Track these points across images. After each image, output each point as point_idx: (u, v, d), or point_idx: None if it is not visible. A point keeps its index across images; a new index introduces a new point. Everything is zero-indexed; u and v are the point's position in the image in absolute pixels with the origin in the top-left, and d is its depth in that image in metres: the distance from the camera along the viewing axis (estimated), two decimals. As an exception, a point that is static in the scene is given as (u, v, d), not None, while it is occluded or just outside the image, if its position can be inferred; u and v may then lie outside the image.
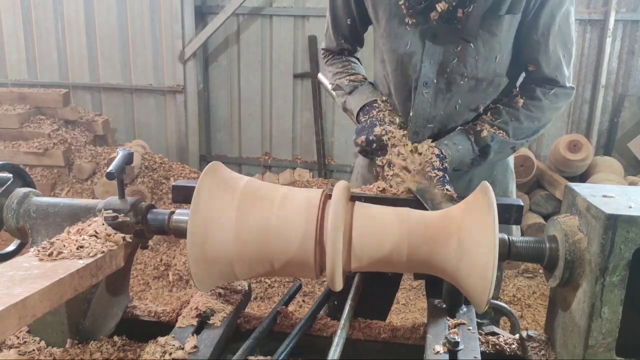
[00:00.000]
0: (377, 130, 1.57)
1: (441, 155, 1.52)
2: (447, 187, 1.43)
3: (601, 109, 5.38)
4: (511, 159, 1.83)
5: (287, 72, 5.77)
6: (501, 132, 1.59)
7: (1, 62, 6.10)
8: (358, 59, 1.93)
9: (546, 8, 1.51)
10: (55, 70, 6.04)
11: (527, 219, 4.67)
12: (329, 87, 1.89)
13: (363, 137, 1.58)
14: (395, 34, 1.61)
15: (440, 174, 1.46)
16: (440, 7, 1.48)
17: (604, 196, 1.12)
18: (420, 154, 1.54)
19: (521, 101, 1.61)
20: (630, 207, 1.05)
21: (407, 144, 1.57)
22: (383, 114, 1.64)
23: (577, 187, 1.21)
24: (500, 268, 1.89)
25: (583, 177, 4.85)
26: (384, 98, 1.74)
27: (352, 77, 1.80)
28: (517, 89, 1.67)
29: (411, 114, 1.64)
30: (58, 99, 5.20)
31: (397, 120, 1.65)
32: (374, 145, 1.57)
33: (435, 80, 1.60)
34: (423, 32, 1.56)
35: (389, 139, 1.56)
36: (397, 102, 1.71)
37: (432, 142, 1.60)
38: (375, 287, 1.78)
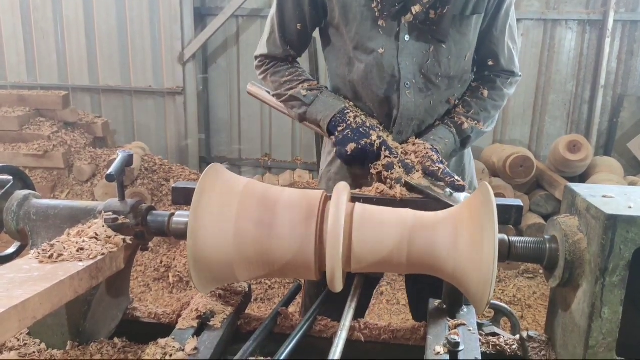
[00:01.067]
0: (365, 139, 1.53)
1: (434, 149, 1.55)
2: (456, 177, 1.43)
3: (600, 109, 5.38)
4: (468, 151, 1.95)
5: (287, 73, 5.77)
6: (475, 122, 1.70)
7: (1, 64, 6.10)
8: (299, 64, 1.85)
9: (503, 7, 1.65)
10: (54, 72, 6.05)
11: (527, 219, 4.67)
12: (269, 97, 1.80)
13: (353, 145, 1.53)
14: (368, 37, 1.61)
15: (442, 167, 1.47)
16: (415, 9, 1.55)
17: (604, 196, 1.13)
18: (415, 152, 1.55)
19: (486, 92, 1.74)
20: (630, 208, 1.05)
21: (397, 146, 1.58)
22: (361, 119, 1.60)
23: (576, 187, 1.21)
24: None
25: (583, 178, 4.85)
26: (350, 103, 1.71)
27: (307, 85, 1.71)
28: (476, 82, 1.79)
29: (396, 114, 1.67)
30: (57, 101, 5.20)
31: (376, 123, 1.66)
32: (368, 151, 1.53)
33: (414, 80, 1.65)
34: (397, 34, 1.60)
35: (381, 144, 1.54)
36: (371, 105, 1.69)
37: (416, 139, 1.63)
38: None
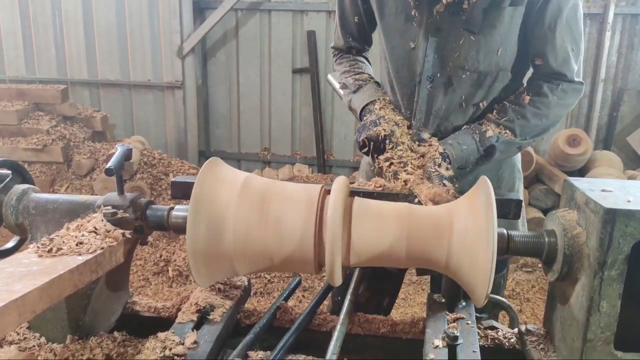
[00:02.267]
0: (374, 129, 1.58)
1: (444, 153, 1.52)
2: (445, 182, 1.43)
3: (600, 103, 5.37)
4: (518, 158, 1.82)
5: (286, 67, 5.76)
6: (507, 131, 1.56)
7: (-1, 58, 6.09)
8: (367, 59, 1.93)
9: (553, 1, 1.49)
10: (53, 66, 6.03)
11: (526, 213, 4.67)
12: (337, 86, 1.90)
13: (364, 135, 1.59)
14: (402, 30, 1.61)
15: (440, 170, 1.46)
16: None
17: (603, 190, 1.13)
18: (423, 155, 1.54)
19: (528, 98, 1.58)
20: (629, 202, 1.05)
21: (405, 142, 1.58)
22: (384, 112, 1.65)
23: (576, 181, 1.21)
24: (505, 264, 1.89)
25: (582, 172, 4.85)
26: (386, 97, 1.74)
27: (357, 76, 1.80)
28: (525, 86, 1.64)
29: (415, 108, 1.65)
30: (56, 95, 5.19)
31: (398, 118, 1.65)
32: (372, 143, 1.57)
33: (438, 74, 1.59)
34: (427, 27, 1.56)
35: (386, 136, 1.56)
36: (401, 99, 1.71)
37: (436, 140, 1.60)
38: (379, 284, 1.79)
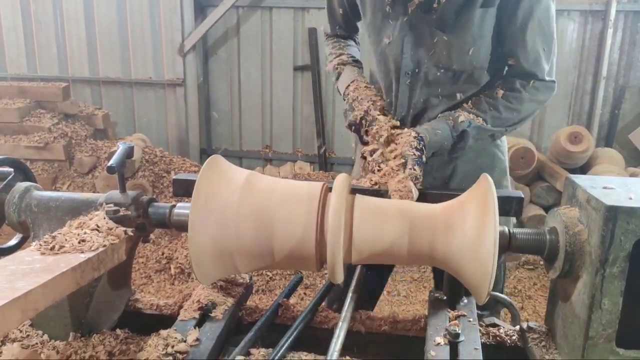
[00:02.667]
0: (352, 115, 1.67)
1: (419, 136, 1.53)
2: (416, 167, 1.43)
3: (602, 100, 5.36)
4: (504, 156, 1.84)
5: (287, 64, 5.75)
6: (479, 119, 1.62)
7: (0, 56, 6.08)
8: (355, 40, 2.02)
9: (524, 1, 1.52)
10: (54, 63, 6.03)
11: (527, 210, 4.67)
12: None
13: (346, 124, 1.69)
14: (379, 27, 1.68)
15: (418, 153, 1.47)
16: None
17: (604, 188, 1.13)
18: (396, 143, 1.55)
19: (501, 92, 1.63)
20: (631, 199, 1.05)
21: (378, 117, 1.63)
22: (357, 93, 1.72)
23: (577, 178, 1.21)
24: (502, 262, 1.89)
25: (584, 169, 4.84)
26: (363, 77, 1.83)
27: (337, 60, 1.89)
28: (500, 82, 1.69)
29: (395, 102, 1.72)
30: (58, 92, 5.19)
31: (371, 93, 1.73)
32: (353, 128, 1.67)
33: (417, 70, 1.65)
34: (403, 24, 1.62)
35: (362, 118, 1.64)
36: (384, 91, 1.79)
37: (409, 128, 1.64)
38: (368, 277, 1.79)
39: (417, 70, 1.65)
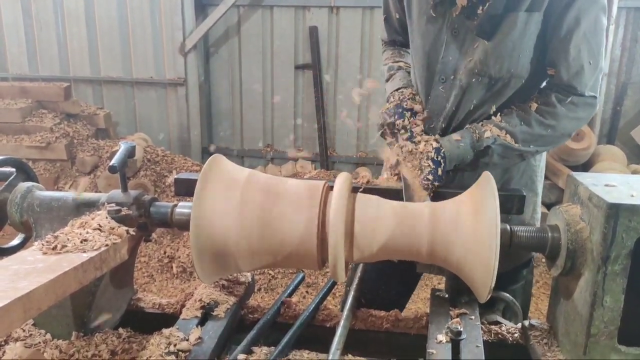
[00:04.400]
0: (393, 117, 1.64)
1: (439, 148, 1.51)
2: (429, 176, 1.44)
3: (604, 97, 5.34)
4: (539, 176, 1.75)
5: (289, 63, 5.75)
6: (507, 136, 1.53)
7: (2, 56, 6.09)
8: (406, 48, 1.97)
9: (571, 11, 1.44)
10: (56, 63, 6.03)
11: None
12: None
13: (382, 119, 1.66)
14: (423, 30, 1.63)
15: (433, 165, 1.46)
16: (460, 2, 1.48)
17: (606, 185, 1.12)
18: (422, 146, 1.55)
19: (535, 105, 1.54)
20: (632, 196, 1.05)
21: (414, 130, 1.61)
22: (407, 102, 1.69)
23: (579, 176, 1.21)
24: (530, 270, 1.84)
25: (586, 166, 4.83)
26: (412, 85, 1.78)
27: (392, 64, 1.88)
28: (536, 95, 1.60)
29: (427, 107, 1.67)
30: (59, 92, 5.19)
31: (417, 106, 1.68)
32: (384, 130, 1.65)
33: (452, 77, 1.59)
34: (444, 29, 1.58)
35: (404, 127, 1.61)
36: (423, 97, 1.71)
37: (435, 137, 1.60)
38: (394, 283, 1.79)
39: (452, 76, 1.59)
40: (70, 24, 5.90)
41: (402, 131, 1.59)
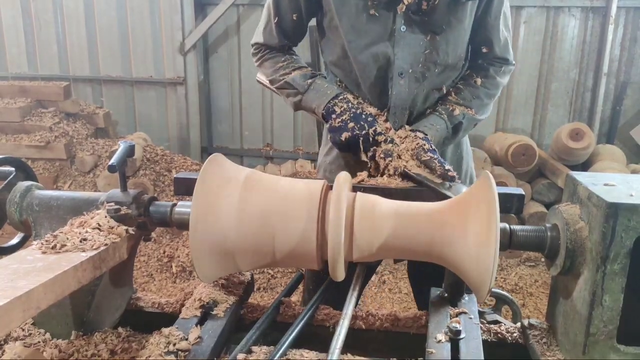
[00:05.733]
0: (368, 127, 1.53)
1: (426, 137, 1.55)
2: (447, 166, 1.42)
3: (603, 97, 5.35)
4: (468, 143, 1.96)
5: (288, 62, 5.74)
6: (467, 109, 1.70)
7: (1, 55, 6.09)
8: (295, 53, 1.88)
9: None
10: (55, 63, 6.03)
11: (529, 207, 4.67)
12: (269, 84, 1.82)
13: (347, 134, 1.54)
14: (363, 29, 1.62)
15: (435, 155, 1.46)
16: (406, 0, 1.55)
17: (605, 184, 1.12)
18: (405, 139, 1.55)
19: (479, 80, 1.74)
20: (632, 196, 1.05)
21: (392, 133, 1.60)
22: (361, 107, 1.63)
23: (578, 175, 1.21)
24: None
25: (585, 166, 4.84)
26: (345, 90, 1.72)
27: (301, 72, 1.73)
28: (469, 70, 1.79)
29: (389, 103, 1.67)
30: (59, 92, 5.19)
31: (374, 110, 1.68)
32: (363, 139, 1.52)
33: (410, 70, 1.64)
34: (392, 26, 1.60)
35: (376, 132, 1.55)
36: (370, 96, 1.70)
37: (407, 127, 1.63)
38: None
39: (410, 70, 1.64)
40: (69, 23, 5.90)
41: (380, 136, 1.54)
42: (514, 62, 1.80)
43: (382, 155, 1.50)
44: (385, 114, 1.68)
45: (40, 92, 5.20)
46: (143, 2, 5.71)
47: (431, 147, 1.50)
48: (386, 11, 1.60)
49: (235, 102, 6.02)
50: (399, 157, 1.50)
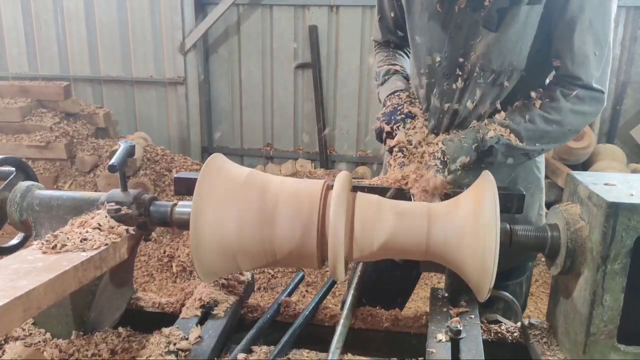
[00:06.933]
0: (393, 118, 1.60)
1: (443, 150, 1.50)
2: (437, 175, 1.43)
3: (603, 96, 5.34)
4: (540, 173, 1.72)
5: (288, 62, 5.75)
6: (511, 133, 1.49)
7: (2, 55, 6.09)
8: (405, 52, 1.92)
9: None
10: (55, 62, 6.03)
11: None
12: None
13: (377, 125, 1.64)
14: (425, 27, 1.61)
15: (440, 166, 1.46)
16: None
17: (606, 184, 1.13)
18: (428, 146, 1.54)
19: (538, 102, 1.50)
20: (632, 195, 1.05)
21: (423, 134, 1.59)
22: (404, 105, 1.66)
23: (578, 175, 1.21)
24: (525, 270, 1.87)
25: (585, 165, 4.83)
26: (409, 89, 1.75)
27: (387, 67, 1.83)
28: (541, 90, 1.56)
29: (430, 102, 1.65)
30: (59, 91, 5.19)
31: (416, 110, 1.65)
32: (384, 134, 1.61)
33: (456, 72, 1.57)
34: (447, 24, 1.54)
35: (401, 122, 1.59)
36: (424, 96, 1.69)
37: (439, 137, 1.59)
38: (391, 279, 1.79)
39: (456, 71, 1.57)
40: (70, 23, 5.90)
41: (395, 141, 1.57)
42: (596, 85, 1.45)
43: (396, 151, 1.54)
44: (427, 114, 1.66)
45: (40, 92, 5.20)
46: (143, 2, 5.71)
47: (443, 158, 1.47)
48: (447, 8, 1.52)
49: (235, 101, 6.02)
50: (407, 157, 1.51)
